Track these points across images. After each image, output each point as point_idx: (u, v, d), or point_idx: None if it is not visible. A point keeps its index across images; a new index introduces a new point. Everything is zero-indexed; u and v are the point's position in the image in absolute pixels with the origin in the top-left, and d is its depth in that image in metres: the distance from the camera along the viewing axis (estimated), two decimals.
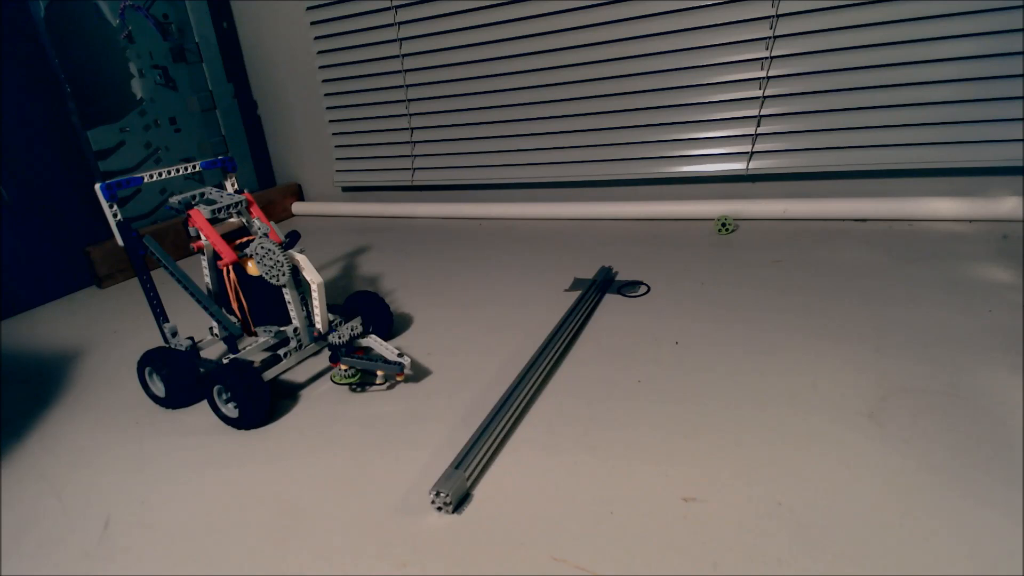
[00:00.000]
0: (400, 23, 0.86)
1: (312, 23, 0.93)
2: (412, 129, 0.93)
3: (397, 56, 0.89)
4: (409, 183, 0.97)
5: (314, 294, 0.44)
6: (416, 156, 0.95)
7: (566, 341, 0.48)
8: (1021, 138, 0.61)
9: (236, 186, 0.50)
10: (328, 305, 0.48)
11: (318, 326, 0.45)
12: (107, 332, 0.63)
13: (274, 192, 1.07)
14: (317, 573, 0.29)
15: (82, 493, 0.37)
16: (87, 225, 0.78)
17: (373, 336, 0.47)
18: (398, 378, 0.45)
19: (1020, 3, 0.57)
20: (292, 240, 0.46)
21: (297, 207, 1.10)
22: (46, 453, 0.42)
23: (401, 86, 0.91)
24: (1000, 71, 0.60)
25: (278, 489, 0.35)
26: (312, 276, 0.43)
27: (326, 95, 0.98)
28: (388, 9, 0.86)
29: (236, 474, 0.37)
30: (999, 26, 0.58)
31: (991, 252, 0.57)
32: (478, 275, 0.67)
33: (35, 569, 0.31)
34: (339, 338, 0.44)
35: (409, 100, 0.91)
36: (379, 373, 0.44)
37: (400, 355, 0.43)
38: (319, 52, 0.95)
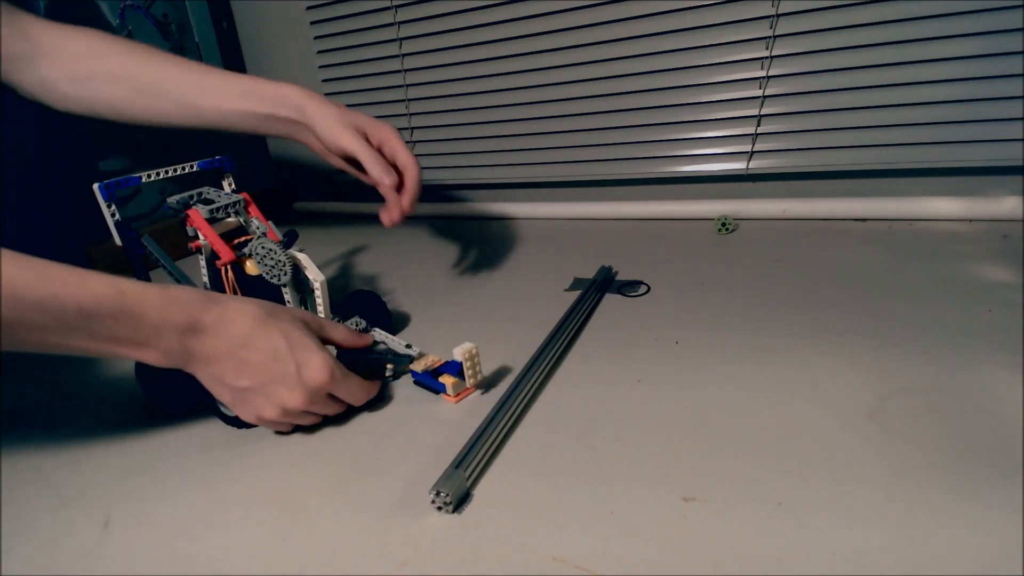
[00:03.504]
0: (400, 23, 0.86)
1: (312, 23, 0.93)
2: (412, 129, 0.93)
3: (397, 56, 0.89)
4: None
5: (317, 292, 0.44)
6: (416, 156, 0.95)
7: (566, 341, 0.48)
8: (1021, 138, 0.61)
9: (234, 186, 0.50)
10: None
11: None
12: None
13: (273, 192, 1.07)
14: (317, 573, 0.29)
15: (82, 493, 0.37)
16: (88, 225, 0.78)
17: (377, 329, 0.46)
18: (405, 369, 0.45)
19: (1020, 3, 0.57)
20: (290, 239, 0.46)
21: (297, 207, 1.10)
22: (46, 453, 0.42)
23: (401, 86, 0.91)
24: (1000, 71, 0.60)
25: (277, 488, 0.35)
26: (315, 274, 0.43)
27: (326, 95, 0.98)
28: (388, 9, 0.86)
29: (236, 473, 0.37)
30: (999, 26, 0.58)
31: (991, 252, 0.57)
32: (477, 275, 0.67)
33: (35, 569, 0.31)
34: None
35: (409, 100, 0.91)
36: (388, 367, 0.44)
37: (408, 346, 0.43)
38: (319, 52, 0.95)
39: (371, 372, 0.43)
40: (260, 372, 0.35)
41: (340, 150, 0.48)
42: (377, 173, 0.47)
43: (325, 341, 0.40)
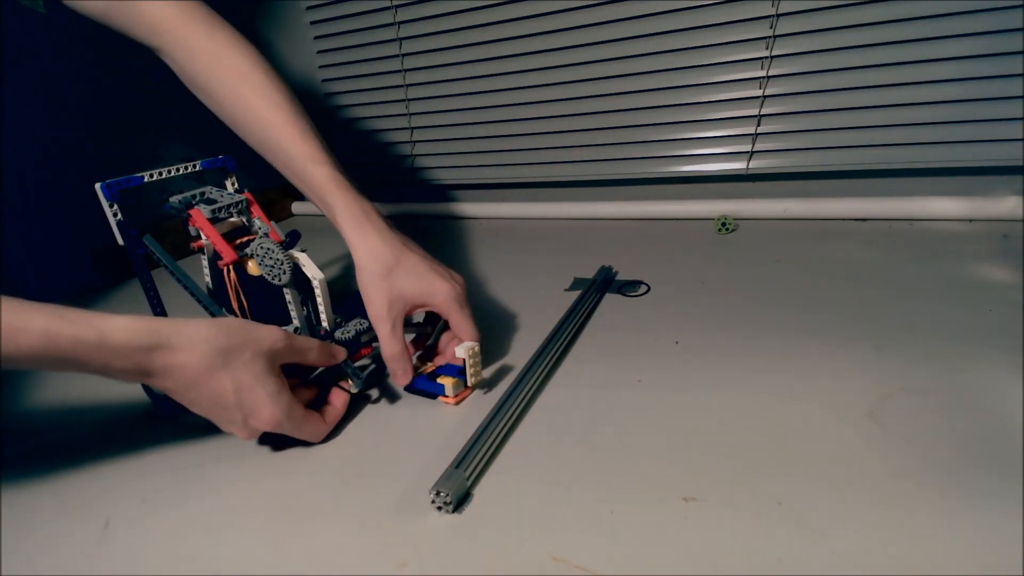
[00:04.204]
0: (400, 23, 0.86)
1: (312, 23, 0.93)
2: (412, 129, 0.93)
3: (397, 56, 0.89)
4: (408, 182, 0.97)
5: (316, 290, 0.43)
6: (416, 156, 0.95)
7: (566, 341, 0.48)
8: (1021, 138, 0.61)
9: (236, 186, 0.50)
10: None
11: (324, 324, 0.44)
12: None
13: (274, 192, 1.07)
14: (317, 573, 0.29)
15: (82, 493, 0.37)
16: (91, 224, 0.78)
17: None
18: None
19: (1020, 3, 0.57)
20: (292, 239, 0.46)
21: (297, 207, 1.10)
22: (46, 453, 0.42)
23: (401, 86, 0.91)
24: (1000, 70, 0.60)
25: (277, 488, 0.35)
26: (313, 272, 0.43)
27: (326, 95, 0.98)
28: (388, 9, 0.86)
29: (236, 473, 0.37)
30: (999, 25, 0.58)
31: (991, 252, 0.57)
32: (477, 275, 0.67)
33: (35, 569, 0.31)
34: (345, 333, 0.44)
35: (409, 100, 0.91)
36: (349, 382, 0.43)
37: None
38: (319, 52, 0.95)
39: (339, 379, 0.43)
40: (207, 412, 0.35)
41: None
42: (386, 360, 0.42)
43: (300, 364, 0.39)
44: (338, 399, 0.41)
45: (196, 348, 0.33)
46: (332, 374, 0.43)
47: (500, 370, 0.45)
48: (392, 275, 0.41)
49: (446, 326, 0.46)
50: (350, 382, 0.42)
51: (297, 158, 0.45)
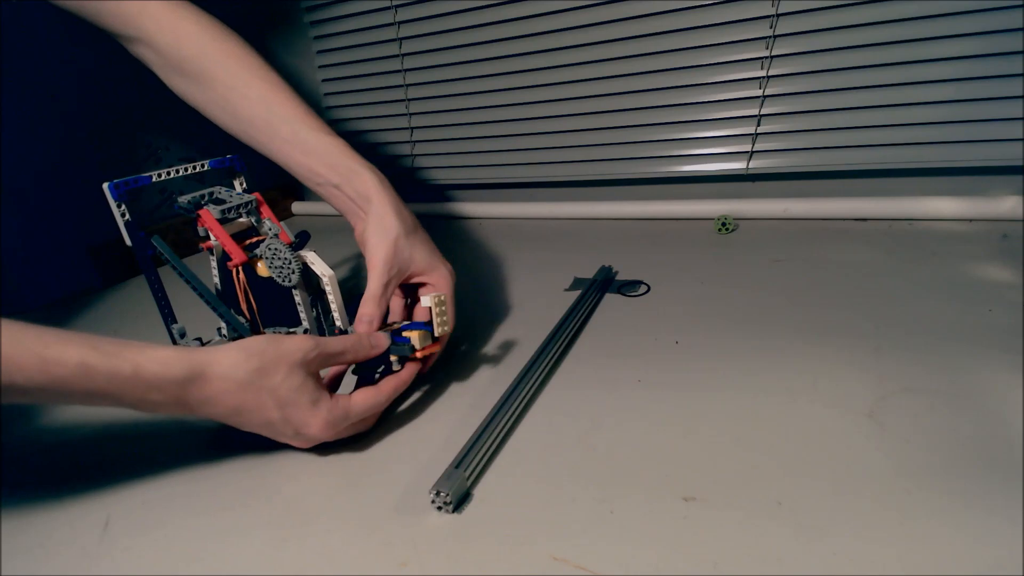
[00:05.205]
0: (400, 23, 0.86)
1: (312, 23, 0.93)
2: (412, 129, 0.94)
3: (397, 56, 0.89)
4: (408, 182, 0.97)
5: (327, 287, 0.43)
6: (416, 156, 0.95)
7: (566, 340, 0.48)
8: (1021, 138, 0.61)
9: (245, 185, 0.49)
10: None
11: (339, 323, 0.43)
12: (111, 332, 0.63)
13: (274, 191, 1.07)
14: (317, 573, 0.29)
15: (82, 493, 0.37)
16: (91, 223, 0.78)
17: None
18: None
19: (1020, 3, 0.57)
20: (302, 240, 0.45)
21: (297, 207, 1.10)
22: (46, 452, 0.42)
23: (401, 86, 0.91)
24: (1000, 70, 0.60)
25: (277, 489, 0.35)
26: (322, 269, 0.42)
27: (326, 95, 0.98)
28: (388, 9, 0.86)
29: (236, 473, 0.37)
30: (999, 25, 0.58)
31: (991, 252, 0.57)
32: (477, 275, 0.67)
33: (35, 569, 0.31)
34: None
35: (409, 100, 0.91)
36: (393, 358, 0.40)
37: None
38: (319, 52, 0.95)
39: (383, 360, 0.41)
40: (260, 432, 0.35)
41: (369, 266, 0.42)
42: (361, 303, 0.41)
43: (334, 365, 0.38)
44: (404, 370, 0.40)
45: (230, 375, 0.32)
46: (376, 369, 0.41)
47: (501, 370, 0.45)
48: (408, 238, 0.43)
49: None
50: (394, 359, 0.40)
51: (309, 130, 0.45)
